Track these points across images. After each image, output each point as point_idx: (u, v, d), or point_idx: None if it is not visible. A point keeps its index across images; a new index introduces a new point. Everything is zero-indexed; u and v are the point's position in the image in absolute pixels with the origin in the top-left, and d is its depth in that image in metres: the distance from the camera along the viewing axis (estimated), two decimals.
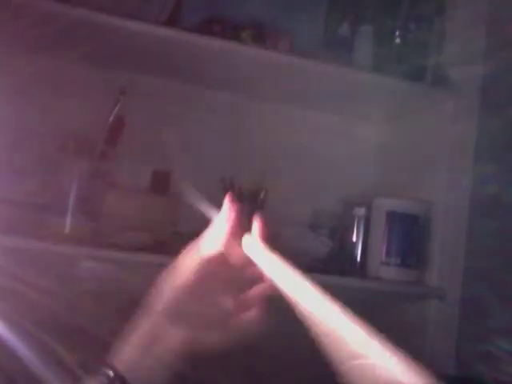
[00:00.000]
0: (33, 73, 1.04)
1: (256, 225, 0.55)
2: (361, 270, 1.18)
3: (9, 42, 1.04)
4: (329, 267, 1.13)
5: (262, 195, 1.18)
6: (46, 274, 0.82)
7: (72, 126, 1.05)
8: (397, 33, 1.15)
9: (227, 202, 0.54)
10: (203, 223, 0.56)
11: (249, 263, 0.54)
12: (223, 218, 0.54)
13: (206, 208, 0.59)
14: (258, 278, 0.55)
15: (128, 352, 0.49)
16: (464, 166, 1.11)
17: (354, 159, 1.33)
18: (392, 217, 1.13)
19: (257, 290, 0.56)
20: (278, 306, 0.54)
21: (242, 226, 0.55)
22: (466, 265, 1.10)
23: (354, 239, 1.21)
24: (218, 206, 0.57)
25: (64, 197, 0.95)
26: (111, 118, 1.02)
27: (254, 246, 0.54)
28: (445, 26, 1.17)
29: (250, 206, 1.15)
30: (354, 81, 1.12)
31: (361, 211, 1.21)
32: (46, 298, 0.80)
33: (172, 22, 1.02)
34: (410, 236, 1.13)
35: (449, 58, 1.16)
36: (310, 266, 1.10)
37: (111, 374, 0.47)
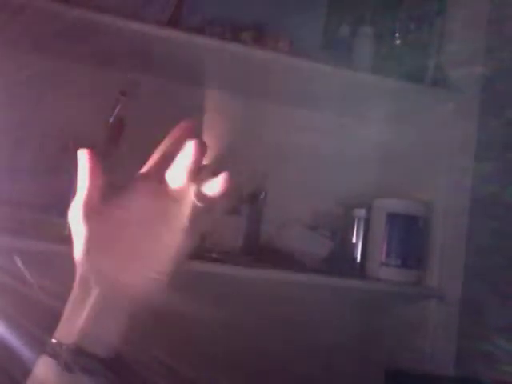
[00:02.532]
0: (33, 73, 1.05)
1: None
2: (361, 270, 1.18)
3: (9, 42, 1.05)
4: (329, 268, 1.13)
5: (261, 196, 1.18)
6: (46, 275, 0.82)
7: (72, 127, 1.05)
8: (397, 34, 1.15)
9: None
10: None
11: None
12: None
13: None
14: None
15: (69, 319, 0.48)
16: (464, 167, 1.12)
17: (354, 160, 1.33)
18: (392, 218, 1.13)
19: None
20: None
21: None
22: (466, 265, 1.10)
23: (354, 240, 1.21)
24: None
25: (64, 197, 0.95)
26: (112, 119, 1.02)
27: None
28: (445, 26, 1.17)
29: (250, 206, 1.16)
30: (354, 82, 1.12)
31: (361, 212, 1.21)
32: (46, 298, 0.80)
33: (173, 22, 1.02)
34: (410, 237, 1.13)
35: (449, 58, 1.16)
36: (310, 267, 1.11)
37: (54, 341, 0.46)
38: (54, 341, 0.47)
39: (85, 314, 0.47)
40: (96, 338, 0.46)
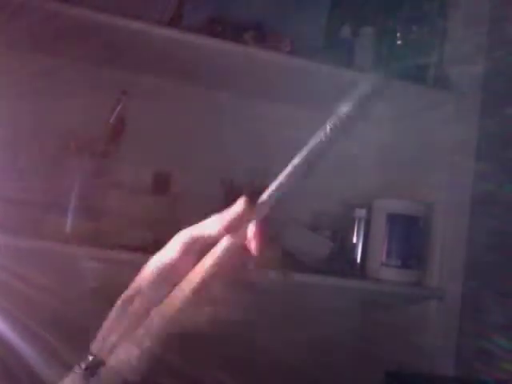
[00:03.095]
0: (33, 72, 1.05)
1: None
2: (361, 271, 1.18)
3: (9, 41, 1.05)
4: (329, 268, 1.13)
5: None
6: (47, 273, 0.82)
7: (73, 126, 1.05)
8: (397, 34, 1.15)
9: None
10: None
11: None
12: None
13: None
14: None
15: (108, 338, 0.49)
16: (464, 167, 1.12)
17: (354, 160, 1.33)
18: (392, 218, 1.13)
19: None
20: None
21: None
22: (466, 265, 1.10)
23: (355, 240, 1.21)
24: (218, 206, 0.57)
25: (65, 196, 0.95)
26: (113, 118, 1.02)
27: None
28: (445, 26, 1.17)
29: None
30: (355, 82, 1.12)
31: (361, 212, 1.21)
32: (47, 297, 0.80)
33: (174, 22, 1.02)
34: (411, 237, 1.13)
35: (450, 58, 1.16)
36: (310, 267, 1.11)
37: (89, 358, 0.47)
38: (89, 356, 0.48)
39: (119, 333, 0.48)
40: (125, 359, 0.47)
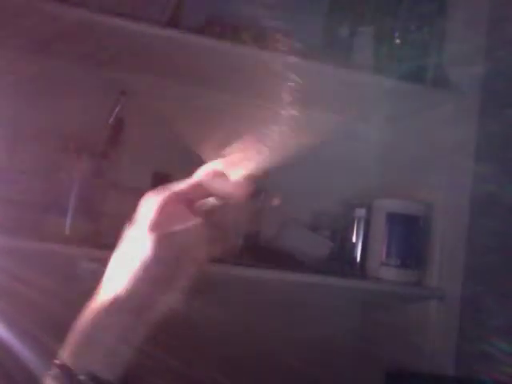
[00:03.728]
0: (33, 73, 1.05)
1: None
2: (361, 270, 1.18)
3: (9, 41, 1.05)
4: (329, 268, 1.13)
5: (261, 196, 1.18)
6: (46, 274, 0.83)
7: (72, 127, 1.05)
8: (397, 33, 1.15)
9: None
10: None
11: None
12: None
13: None
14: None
15: (76, 341, 0.46)
16: (464, 167, 1.12)
17: (354, 160, 1.33)
18: (392, 218, 1.13)
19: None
20: None
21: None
22: (466, 265, 1.10)
23: (354, 240, 1.21)
24: None
25: (64, 197, 0.95)
26: (112, 119, 1.03)
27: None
28: (445, 26, 1.17)
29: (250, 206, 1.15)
30: (354, 82, 1.12)
31: (361, 212, 1.21)
32: (46, 298, 0.80)
33: (173, 22, 1.03)
34: (410, 237, 1.13)
35: (449, 58, 1.16)
36: (310, 267, 1.11)
37: (58, 363, 0.45)
38: (59, 362, 0.45)
39: (98, 337, 0.45)
40: (107, 363, 0.45)
